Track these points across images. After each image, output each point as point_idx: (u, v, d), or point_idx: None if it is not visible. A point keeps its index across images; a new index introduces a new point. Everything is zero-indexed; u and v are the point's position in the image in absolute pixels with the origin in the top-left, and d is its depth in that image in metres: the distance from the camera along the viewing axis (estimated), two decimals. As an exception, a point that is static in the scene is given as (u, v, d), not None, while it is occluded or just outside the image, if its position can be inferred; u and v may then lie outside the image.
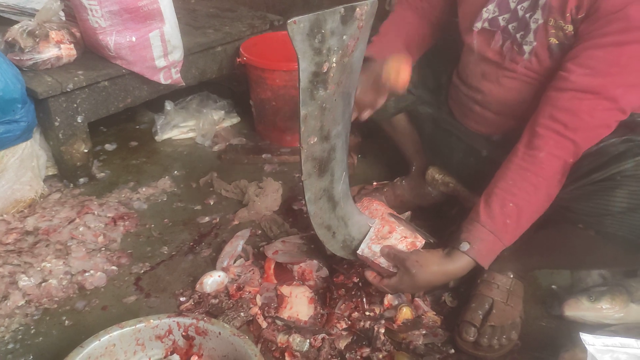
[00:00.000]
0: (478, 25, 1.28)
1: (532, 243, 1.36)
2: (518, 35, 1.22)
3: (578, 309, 1.31)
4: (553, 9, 1.15)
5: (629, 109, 1.12)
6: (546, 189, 1.16)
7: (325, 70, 1.06)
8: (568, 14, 1.13)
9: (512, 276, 1.35)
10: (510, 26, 1.24)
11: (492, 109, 1.37)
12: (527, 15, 1.19)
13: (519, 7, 1.21)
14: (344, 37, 1.05)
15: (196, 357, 1.17)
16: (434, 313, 1.36)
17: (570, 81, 1.12)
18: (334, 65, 1.07)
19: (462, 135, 1.50)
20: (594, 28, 1.10)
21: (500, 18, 1.24)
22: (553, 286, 1.45)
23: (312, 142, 1.15)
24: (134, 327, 1.14)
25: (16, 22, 1.81)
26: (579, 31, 1.13)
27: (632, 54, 1.08)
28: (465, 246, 1.19)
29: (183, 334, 1.17)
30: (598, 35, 1.10)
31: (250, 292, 1.40)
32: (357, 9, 1.04)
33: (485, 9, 1.25)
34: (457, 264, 1.20)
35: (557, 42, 1.18)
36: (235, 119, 2.27)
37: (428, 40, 1.51)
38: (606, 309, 1.30)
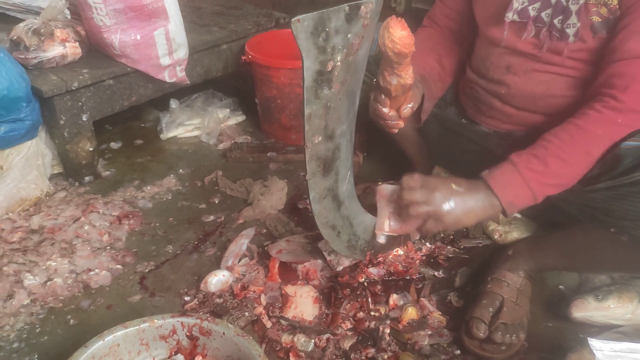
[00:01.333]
0: (509, 15, 1.24)
1: (551, 243, 1.34)
2: (556, 21, 1.19)
3: (585, 310, 1.29)
4: None
5: None
6: (584, 142, 1.12)
7: (330, 69, 1.05)
8: None
9: (522, 275, 1.33)
10: (543, 14, 1.20)
11: (515, 103, 1.34)
12: (563, 0, 1.17)
13: None
14: (349, 35, 1.04)
15: (200, 357, 1.17)
16: (440, 313, 1.35)
17: (624, 50, 1.10)
18: (339, 64, 1.06)
19: (473, 136, 1.48)
20: None
21: (530, 8, 1.22)
22: (560, 286, 1.44)
23: (316, 141, 1.14)
24: (138, 327, 1.14)
25: (21, 20, 1.81)
26: (624, 3, 1.11)
27: None
28: (485, 172, 1.16)
29: (187, 334, 1.16)
30: None
31: (254, 291, 1.39)
32: (362, 7, 1.03)
33: None
34: (476, 189, 1.15)
35: (600, 20, 1.15)
36: (240, 117, 2.26)
37: (459, 53, 1.49)
38: (614, 307, 1.28)
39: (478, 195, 1.15)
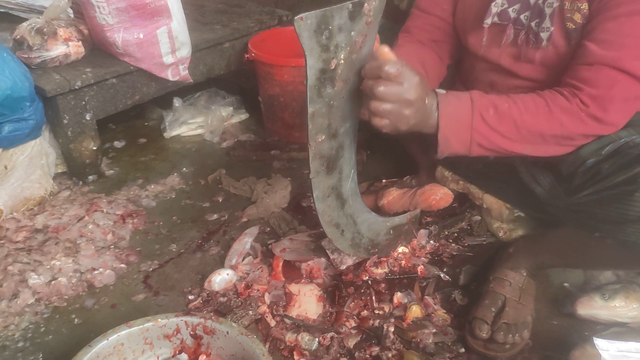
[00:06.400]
0: (488, 21, 1.24)
1: (548, 241, 1.34)
2: (533, 24, 1.18)
3: (591, 308, 1.29)
4: None
5: None
6: (543, 121, 1.13)
7: (333, 67, 1.04)
8: None
9: (524, 274, 1.33)
10: (522, 16, 1.20)
11: None
12: (540, 2, 1.16)
13: None
14: (352, 33, 1.04)
15: (204, 356, 1.17)
16: (444, 311, 1.35)
17: (586, 56, 1.10)
18: (342, 62, 1.05)
19: None
20: (607, 0, 1.07)
21: (510, 10, 1.21)
22: (565, 284, 1.43)
23: (319, 140, 1.14)
24: (142, 326, 1.14)
25: (24, 19, 1.81)
26: (593, 7, 1.10)
27: None
28: (442, 93, 1.15)
29: (191, 333, 1.17)
30: (611, 6, 1.07)
31: (258, 290, 1.39)
32: (365, 4, 1.02)
33: (494, 3, 1.22)
34: (428, 106, 1.10)
35: (574, 26, 1.14)
36: (243, 115, 2.26)
37: (441, 67, 1.46)
38: (620, 307, 1.27)
39: (427, 111, 1.11)
